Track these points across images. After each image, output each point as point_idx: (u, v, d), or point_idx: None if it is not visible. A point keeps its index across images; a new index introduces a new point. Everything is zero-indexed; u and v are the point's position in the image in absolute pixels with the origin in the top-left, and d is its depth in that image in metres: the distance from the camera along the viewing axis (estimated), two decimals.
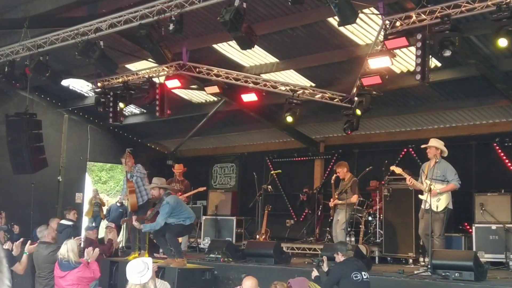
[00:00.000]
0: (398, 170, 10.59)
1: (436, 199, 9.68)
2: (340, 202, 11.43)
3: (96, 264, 8.36)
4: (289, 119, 12.30)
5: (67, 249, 8.01)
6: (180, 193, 13.06)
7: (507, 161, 13.35)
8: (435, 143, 9.98)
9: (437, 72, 11.57)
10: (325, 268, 8.01)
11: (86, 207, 17.99)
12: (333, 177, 12.05)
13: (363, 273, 7.47)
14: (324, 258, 8.22)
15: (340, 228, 11.33)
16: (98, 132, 18.78)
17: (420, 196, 10.06)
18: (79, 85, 17.16)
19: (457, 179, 9.66)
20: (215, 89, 13.48)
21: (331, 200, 11.88)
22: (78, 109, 18.06)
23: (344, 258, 7.73)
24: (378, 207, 12.54)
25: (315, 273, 7.94)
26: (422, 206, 9.91)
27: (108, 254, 10.94)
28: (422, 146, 10.30)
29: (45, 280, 8.62)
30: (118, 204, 17.60)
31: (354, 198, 11.42)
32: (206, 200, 16.11)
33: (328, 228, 13.25)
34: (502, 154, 13.45)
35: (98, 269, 8.37)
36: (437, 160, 9.74)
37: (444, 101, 13.56)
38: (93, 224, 14.77)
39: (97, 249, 8.64)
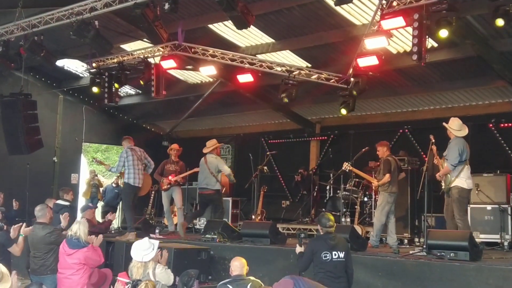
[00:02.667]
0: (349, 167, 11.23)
1: (443, 179, 9.65)
2: (376, 184, 10.89)
3: (100, 250, 8.46)
4: (285, 100, 12.28)
5: (79, 228, 8.18)
6: (174, 174, 13.07)
7: (502, 142, 13.37)
8: (446, 124, 9.82)
9: (433, 53, 11.48)
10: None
11: (82, 188, 18.02)
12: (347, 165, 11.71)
13: (334, 252, 7.22)
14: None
15: (377, 212, 10.78)
16: (93, 113, 18.73)
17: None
18: (74, 65, 17.06)
19: (453, 160, 9.50)
20: (210, 69, 13.46)
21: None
22: (73, 89, 18.00)
23: (322, 233, 7.54)
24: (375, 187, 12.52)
25: (298, 248, 7.80)
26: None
27: (104, 233, 10.96)
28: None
29: (40, 261, 8.65)
30: (114, 185, 17.63)
31: (385, 178, 10.62)
32: None
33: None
34: (498, 135, 13.47)
35: (102, 255, 8.49)
36: (450, 141, 9.66)
37: (440, 82, 13.54)
38: (90, 204, 14.75)
39: (100, 236, 8.72)
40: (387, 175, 10.56)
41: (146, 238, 7.40)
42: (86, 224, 8.40)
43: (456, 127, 9.73)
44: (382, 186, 10.70)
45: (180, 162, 13.32)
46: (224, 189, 12.95)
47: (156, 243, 7.33)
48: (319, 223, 7.52)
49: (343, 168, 11.63)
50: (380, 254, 9.23)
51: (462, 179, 9.51)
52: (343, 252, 7.35)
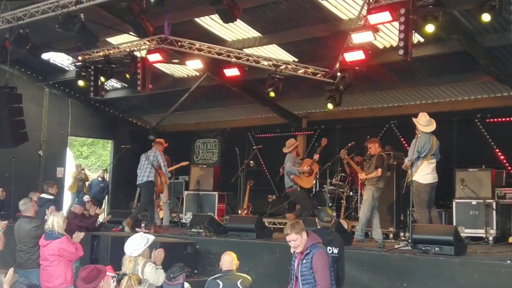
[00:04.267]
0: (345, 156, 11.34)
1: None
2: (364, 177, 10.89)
3: (79, 244, 8.45)
4: (272, 94, 12.28)
5: (53, 220, 8.20)
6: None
7: (488, 137, 13.42)
8: (415, 119, 9.93)
9: (420, 48, 11.52)
10: None
11: (68, 182, 17.94)
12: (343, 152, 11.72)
13: (329, 247, 6.99)
14: None
15: (363, 207, 10.78)
16: (79, 106, 18.62)
17: None
18: (59, 58, 16.93)
19: (410, 155, 9.65)
20: (197, 63, 13.41)
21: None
22: (59, 83, 17.88)
23: (319, 227, 7.40)
24: (360, 182, 12.56)
25: None
26: None
27: (91, 227, 10.91)
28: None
29: (26, 254, 8.67)
30: (100, 179, 17.58)
31: (375, 173, 10.65)
32: (188, 175, 16.07)
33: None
34: (483, 130, 13.52)
35: (81, 248, 8.50)
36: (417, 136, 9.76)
37: (426, 77, 13.57)
38: (84, 199, 14.68)
39: (81, 233, 8.70)
40: (379, 170, 10.58)
41: (141, 233, 7.39)
42: (61, 216, 8.36)
43: (423, 123, 9.82)
44: (370, 180, 10.72)
45: (166, 157, 13.27)
46: None
47: (151, 238, 7.30)
48: (318, 216, 7.42)
49: (340, 154, 11.57)
50: (366, 249, 9.26)
51: (419, 174, 9.66)
52: (337, 248, 7.18)
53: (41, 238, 8.29)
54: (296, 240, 6.19)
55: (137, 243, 7.08)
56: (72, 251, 8.21)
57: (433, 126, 9.86)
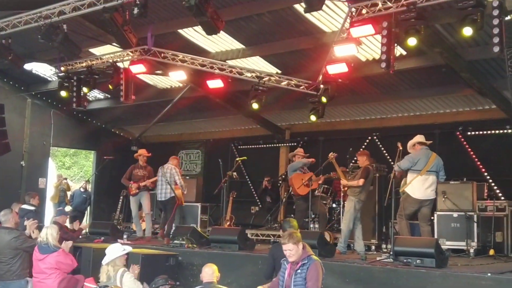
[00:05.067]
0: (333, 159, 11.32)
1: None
2: (346, 183, 11.06)
3: (71, 255, 8.48)
4: (255, 106, 12.29)
5: (47, 232, 8.28)
6: (142, 180, 12.99)
7: (469, 149, 13.54)
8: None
9: (402, 61, 11.62)
10: None
11: (50, 192, 17.78)
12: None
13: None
14: None
15: (345, 219, 10.84)
16: (61, 117, 18.50)
17: None
18: (42, 69, 16.83)
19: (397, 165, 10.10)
20: (180, 75, 13.40)
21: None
22: (41, 93, 17.76)
23: None
24: (343, 194, 12.59)
25: None
26: None
27: (74, 240, 10.86)
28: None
29: (6, 266, 8.65)
30: (82, 190, 17.45)
31: (356, 182, 10.74)
32: None
33: (292, 215, 13.29)
34: (465, 143, 13.63)
35: (75, 259, 8.64)
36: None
37: (408, 90, 13.67)
38: (65, 210, 14.58)
39: (69, 242, 8.69)
40: (361, 180, 10.64)
41: (117, 243, 7.40)
42: (54, 228, 8.39)
43: (420, 139, 10.44)
44: (352, 191, 10.78)
45: (148, 167, 13.27)
46: None
47: (128, 249, 7.32)
48: (282, 228, 7.47)
49: (329, 156, 11.51)
50: (348, 261, 9.27)
51: (411, 187, 10.13)
52: None
53: (35, 252, 8.28)
54: (292, 250, 6.27)
55: (109, 252, 7.12)
56: (69, 263, 8.29)
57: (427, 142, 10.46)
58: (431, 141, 10.51)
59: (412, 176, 10.12)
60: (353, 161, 13.09)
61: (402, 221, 10.16)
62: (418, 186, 10.04)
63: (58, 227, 10.42)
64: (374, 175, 11.93)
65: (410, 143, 10.43)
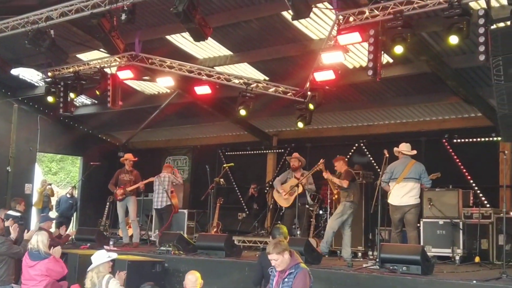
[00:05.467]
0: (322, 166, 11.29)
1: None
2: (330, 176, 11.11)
3: (62, 262, 8.45)
4: (242, 112, 12.30)
5: (37, 239, 8.23)
6: (129, 185, 12.96)
7: (455, 157, 13.60)
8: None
9: (389, 68, 11.68)
10: None
11: (35, 198, 17.67)
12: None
13: None
14: None
15: (331, 220, 10.94)
16: (48, 122, 18.38)
17: None
18: (29, 74, 16.69)
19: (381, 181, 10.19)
20: (168, 81, 13.39)
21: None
22: (28, 98, 17.67)
23: None
24: (329, 201, 12.64)
25: None
26: None
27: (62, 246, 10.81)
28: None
29: None
30: (68, 196, 17.35)
31: (340, 181, 10.82)
32: None
33: (279, 222, 13.30)
34: (451, 150, 13.69)
35: (65, 266, 8.55)
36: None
37: (395, 97, 13.73)
38: (50, 215, 14.48)
39: (58, 247, 8.64)
40: (345, 181, 10.74)
41: (103, 250, 7.36)
42: (45, 235, 8.36)
43: (406, 148, 10.49)
44: (343, 195, 10.89)
45: (134, 172, 13.25)
46: None
47: (113, 256, 7.29)
48: (271, 235, 7.42)
49: (319, 163, 11.50)
50: (334, 268, 9.28)
51: (391, 195, 10.33)
52: None
53: (25, 259, 8.25)
54: (277, 260, 6.19)
55: (95, 259, 7.09)
56: (60, 270, 8.25)
57: (414, 152, 10.53)
58: (415, 152, 10.51)
59: (392, 185, 10.28)
60: None
61: (393, 231, 10.31)
62: (396, 194, 10.19)
63: None
64: (360, 182, 12.00)
65: (394, 151, 10.51)
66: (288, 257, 6.18)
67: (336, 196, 11.54)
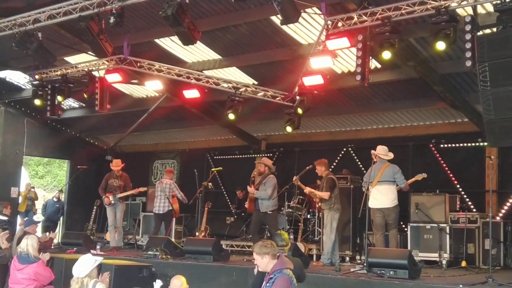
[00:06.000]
0: (297, 182, 11.47)
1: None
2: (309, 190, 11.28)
3: (49, 268, 8.43)
4: (231, 116, 12.32)
5: (27, 243, 8.19)
6: (118, 190, 12.92)
7: (442, 162, 13.66)
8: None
9: (377, 74, 11.73)
10: None
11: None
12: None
13: None
14: None
15: (327, 230, 10.91)
16: (35, 125, 18.25)
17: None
18: (16, 77, 16.67)
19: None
20: (156, 84, 13.37)
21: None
22: (15, 101, 17.54)
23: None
24: (318, 205, 12.65)
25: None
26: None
27: (47, 249, 10.75)
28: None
29: None
30: (55, 200, 17.26)
31: (324, 194, 10.88)
32: (145, 196, 15.93)
33: (267, 226, 13.30)
34: (438, 155, 13.75)
35: (52, 272, 8.53)
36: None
37: (383, 102, 13.79)
38: (34, 219, 14.38)
39: (48, 253, 8.59)
40: (327, 193, 10.77)
41: (88, 254, 7.29)
42: (35, 239, 8.33)
43: (382, 152, 10.47)
44: (326, 204, 10.87)
45: (123, 176, 13.23)
46: None
47: (99, 259, 7.23)
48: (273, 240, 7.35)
49: (293, 181, 11.65)
50: (322, 272, 9.31)
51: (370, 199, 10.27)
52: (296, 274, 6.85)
53: (14, 262, 8.22)
54: (257, 260, 6.21)
55: (85, 264, 7.01)
56: (48, 275, 8.22)
57: (391, 155, 10.47)
58: (391, 156, 10.53)
59: (370, 189, 10.31)
60: None
61: (375, 234, 10.32)
62: (373, 197, 10.18)
63: None
64: (348, 186, 12.05)
65: (372, 153, 10.48)
66: (268, 261, 6.13)
67: (319, 204, 11.57)
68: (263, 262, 6.17)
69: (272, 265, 6.13)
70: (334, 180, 10.99)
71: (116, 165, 13.27)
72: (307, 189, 11.32)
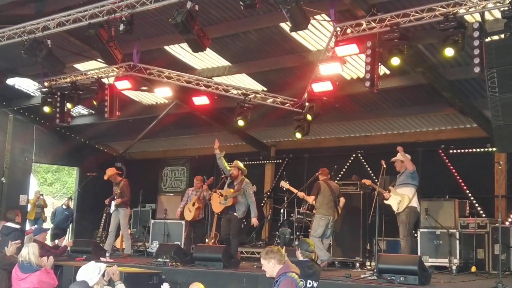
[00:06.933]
0: (286, 185, 11.75)
1: (398, 201, 10.25)
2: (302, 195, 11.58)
3: (53, 272, 8.33)
4: (241, 122, 12.35)
5: (28, 251, 8.04)
6: (121, 200, 12.97)
7: (451, 167, 13.64)
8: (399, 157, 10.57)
9: (385, 80, 11.76)
10: None
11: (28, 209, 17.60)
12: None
13: (309, 281, 6.91)
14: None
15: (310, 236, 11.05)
16: (44, 132, 18.31)
17: (385, 201, 10.43)
18: (25, 84, 16.70)
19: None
20: (166, 91, 13.42)
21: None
22: (24, 109, 17.59)
23: (302, 258, 7.21)
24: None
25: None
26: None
27: (59, 257, 10.77)
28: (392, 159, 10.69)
29: None
30: (64, 207, 17.28)
31: (307, 198, 11.35)
32: (155, 203, 15.95)
33: (277, 232, 13.31)
34: (447, 160, 13.74)
35: (56, 278, 8.37)
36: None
37: (392, 108, 13.79)
38: (44, 227, 14.44)
39: (51, 257, 8.56)
40: (312, 197, 11.18)
41: (92, 262, 7.29)
42: (35, 247, 8.25)
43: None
44: (315, 208, 11.21)
45: (121, 183, 13.19)
46: None
47: (103, 266, 7.22)
48: (300, 247, 7.32)
49: (280, 185, 11.92)
50: (332, 278, 9.28)
51: (414, 199, 10.31)
52: (317, 282, 7.08)
53: (15, 271, 8.08)
54: (263, 265, 6.27)
55: (91, 272, 7.00)
56: (51, 282, 8.12)
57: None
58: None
59: (411, 190, 10.36)
60: (337, 178, 13.18)
61: (406, 240, 10.28)
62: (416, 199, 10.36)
63: (39, 246, 10.35)
64: (358, 192, 12.06)
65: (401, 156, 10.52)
66: (274, 265, 6.17)
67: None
68: (269, 266, 6.22)
69: (277, 269, 6.18)
70: (319, 185, 11.18)
71: (108, 174, 13.33)
72: (300, 194, 11.57)
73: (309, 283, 6.87)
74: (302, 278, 6.47)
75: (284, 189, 12.10)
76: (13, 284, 8.11)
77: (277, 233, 13.01)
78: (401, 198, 10.30)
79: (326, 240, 11.10)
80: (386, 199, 10.44)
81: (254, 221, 11.67)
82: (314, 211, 11.49)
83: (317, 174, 11.60)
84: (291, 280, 6.11)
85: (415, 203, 10.39)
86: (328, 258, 10.87)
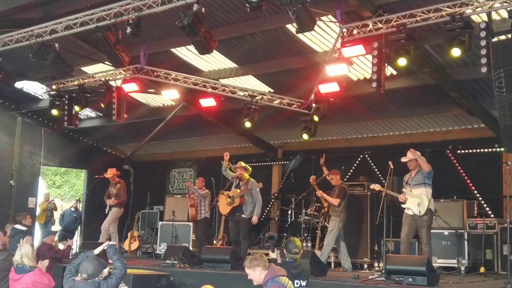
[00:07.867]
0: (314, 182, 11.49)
1: (417, 203, 9.70)
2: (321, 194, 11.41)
3: (49, 274, 8.33)
4: (248, 124, 12.36)
5: (21, 254, 7.98)
6: (116, 201, 13.06)
7: (459, 168, 13.61)
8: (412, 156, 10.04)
9: (392, 80, 11.75)
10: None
11: (38, 212, 17.67)
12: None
13: (296, 281, 6.81)
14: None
15: (329, 238, 10.99)
16: (52, 135, 18.40)
17: (402, 204, 9.92)
18: (33, 87, 16.73)
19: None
20: (173, 93, 13.45)
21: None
22: (32, 112, 17.70)
23: (288, 259, 7.17)
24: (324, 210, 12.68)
25: (271, 255, 7.55)
26: (407, 212, 9.90)
27: (65, 258, 10.81)
28: (402, 159, 10.13)
29: None
30: (72, 209, 17.35)
31: (334, 200, 11.02)
32: (163, 205, 15.98)
33: (285, 233, 13.32)
34: (455, 161, 13.70)
35: (52, 279, 8.34)
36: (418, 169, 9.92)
37: (399, 109, 13.77)
38: (51, 229, 14.52)
39: (46, 260, 8.57)
40: (337, 200, 10.92)
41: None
42: (29, 248, 8.21)
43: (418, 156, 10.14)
44: (334, 211, 11.00)
45: (118, 185, 13.36)
46: None
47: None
48: (286, 248, 7.33)
49: (310, 180, 11.67)
50: (340, 279, 9.28)
51: (431, 201, 9.83)
52: (306, 281, 7.00)
53: (11, 272, 8.08)
54: (249, 275, 6.21)
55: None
56: (46, 282, 8.08)
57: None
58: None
59: (429, 190, 9.81)
60: (344, 179, 13.15)
61: (429, 245, 9.79)
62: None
63: (48, 248, 10.40)
64: (366, 193, 12.05)
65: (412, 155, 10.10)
66: (260, 272, 6.12)
67: (326, 209, 11.74)
68: (255, 275, 6.16)
69: (263, 275, 6.13)
70: (345, 190, 11.12)
71: (109, 173, 13.42)
72: (319, 192, 11.44)
73: (297, 283, 6.80)
74: (289, 279, 6.37)
75: (312, 185, 11.74)
76: (10, 285, 8.13)
77: (266, 236, 12.99)
78: (419, 199, 9.68)
79: (342, 241, 11.10)
80: (403, 203, 9.86)
81: (254, 219, 11.59)
82: (322, 211, 11.43)
83: (325, 175, 11.52)
84: (278, 285, 6.06)
85: (432, 203, 9.98)
86: (349, 268, 10.90)
